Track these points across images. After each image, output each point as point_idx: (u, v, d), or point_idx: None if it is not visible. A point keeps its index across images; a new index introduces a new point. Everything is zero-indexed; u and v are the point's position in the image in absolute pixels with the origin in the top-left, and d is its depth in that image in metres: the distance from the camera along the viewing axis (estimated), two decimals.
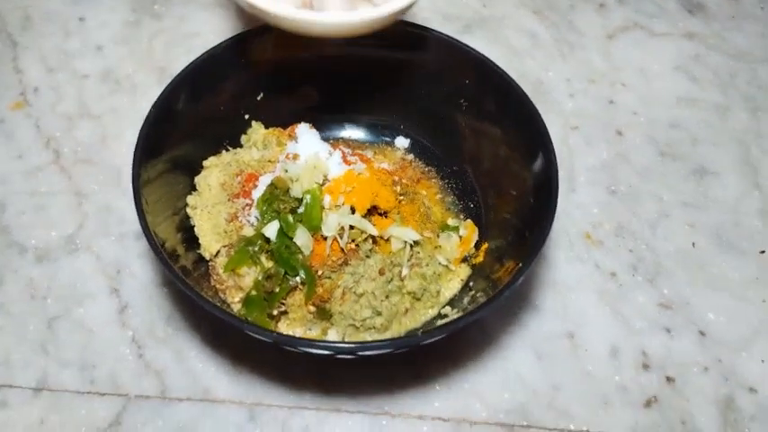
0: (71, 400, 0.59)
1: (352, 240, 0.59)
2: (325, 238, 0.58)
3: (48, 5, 0.88)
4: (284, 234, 0.58)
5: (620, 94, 0.83)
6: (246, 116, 0.69)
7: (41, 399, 0.59)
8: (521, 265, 0.55)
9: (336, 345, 0.51)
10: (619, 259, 0.69)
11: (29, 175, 0.73)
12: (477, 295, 0.61)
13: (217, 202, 0.63)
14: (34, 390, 0.60)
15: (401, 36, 0.67)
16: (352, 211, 0.59)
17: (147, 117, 0.60)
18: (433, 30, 0.66)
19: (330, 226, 0.58)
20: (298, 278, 0.58)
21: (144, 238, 0.55)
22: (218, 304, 0.58)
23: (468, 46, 0.65)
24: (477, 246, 0.66)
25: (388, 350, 0.51)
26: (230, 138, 0.69)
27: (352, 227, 0.58)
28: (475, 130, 0.68)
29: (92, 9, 0.87)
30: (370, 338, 0.60)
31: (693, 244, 0.71)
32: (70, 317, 0.64)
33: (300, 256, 0.57)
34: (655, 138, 0.79)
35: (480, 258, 0.65)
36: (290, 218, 0.57)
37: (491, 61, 0.65)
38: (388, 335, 0.60)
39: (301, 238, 0.57)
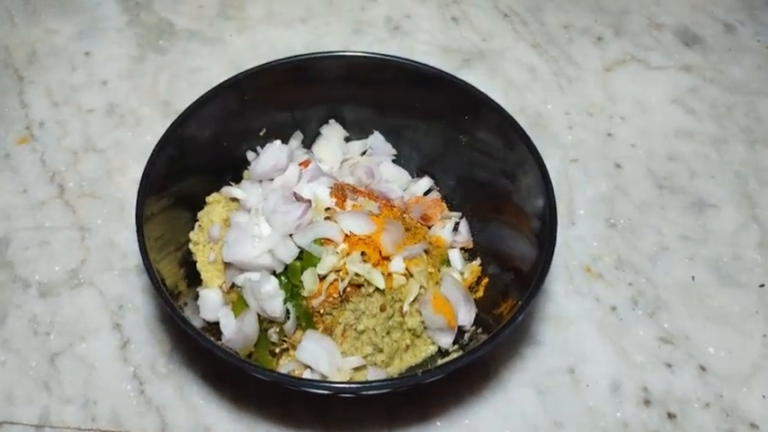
0: None
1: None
2: (325, 277, 0.58)
3: (54, 40, 0.89)
4: (288, 281, 0.58)
5: (619, 126, 0.83)
6: (249, 151, 0.70)
7: None
8: (521, 302, 0.55)
9: (338, 385, 0.51)
10: (619, 293, 0.70)
11: (33, 209, 0.73)
12: (478, 331, 0.62)
13: (219, 238, 0.63)
14: (36, 427, 0.60)
15: (402, 73, 0.68)
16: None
17: (151, 155, 0.61)
18: (434, 67, 0.68)
19: (325, 265, 0.58)
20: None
21: (146, 273, 0.56)
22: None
23: (467, 83, 0.67)
24: (478, 280, 0.66)
25: (389, 390, 0.51)
26: (233, 173, 0.70)
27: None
28: (475, 166, 0.69)
29: (97, 44, 0.89)
30: (371, 375, 0.60)
31: (693, 277, 0.71)
32: (72, 352, 0.64)
33: (304, 303, 0.58)
34: (653, 170, 0.79)
35: (480, 293, 0.65)
36: (297, 264, 0.58)
37: (490, 98, 0.66)
38: (389, 371, 0.60)
39: (308, 280, 0.57)
